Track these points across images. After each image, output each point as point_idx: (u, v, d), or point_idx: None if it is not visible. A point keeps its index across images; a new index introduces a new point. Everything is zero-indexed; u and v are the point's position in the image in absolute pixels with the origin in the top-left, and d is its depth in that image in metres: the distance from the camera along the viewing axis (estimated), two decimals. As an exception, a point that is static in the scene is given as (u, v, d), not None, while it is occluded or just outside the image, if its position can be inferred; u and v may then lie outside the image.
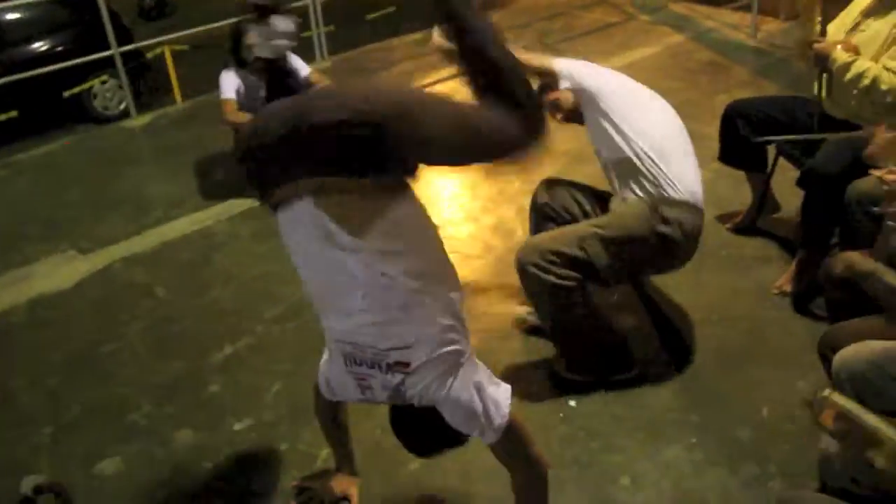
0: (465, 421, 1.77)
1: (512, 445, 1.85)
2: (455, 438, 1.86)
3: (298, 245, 1.66)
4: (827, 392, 1.57)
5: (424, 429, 1.87)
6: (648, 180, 2.51)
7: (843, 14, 3.08)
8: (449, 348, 1.69)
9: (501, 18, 6.20)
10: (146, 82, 6.35)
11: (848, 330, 2.05)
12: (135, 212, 4.23)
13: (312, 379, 2.83)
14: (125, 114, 5.81)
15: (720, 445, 2.43)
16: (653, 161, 2.50)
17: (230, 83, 4.18)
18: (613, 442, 2.48)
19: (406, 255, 1.61)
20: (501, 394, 1.80)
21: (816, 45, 2.92)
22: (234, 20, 5.33)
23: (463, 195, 4.10)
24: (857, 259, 2.18)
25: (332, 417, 2.24)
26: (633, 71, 5.54)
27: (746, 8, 6.33)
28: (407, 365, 1.67)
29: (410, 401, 1.75)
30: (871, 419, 1.40)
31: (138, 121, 5.55)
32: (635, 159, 2.52)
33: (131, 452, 2.61)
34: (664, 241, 2.49)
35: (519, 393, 2.58)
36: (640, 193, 2.54)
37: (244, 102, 4.22)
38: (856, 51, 2.85)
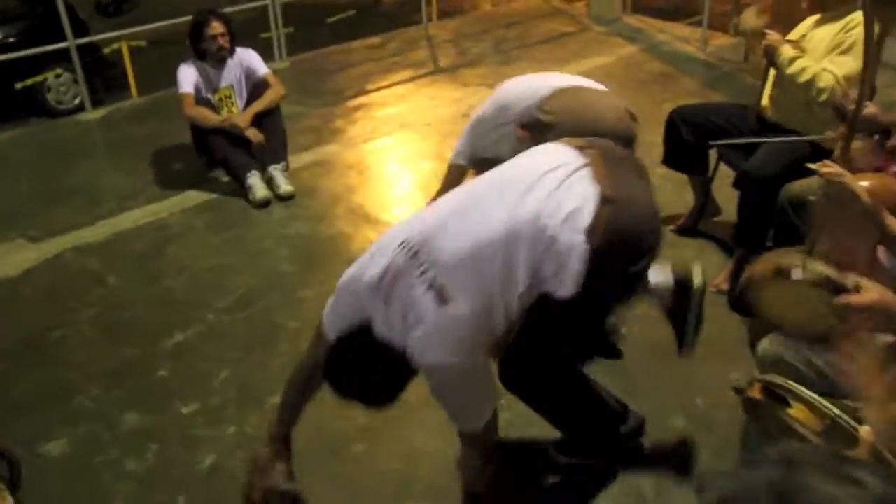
0: None
1: None
2: None
3: None
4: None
5: None
6: None
7: (793, 31, 3.25)
8: None
9: (461, 25, 6.37)
10: (102, 77, 6.30)
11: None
12: (87, 203, 4.21)
13: (261, 367, 2.90)
14: (80, 108, 5.76)
15: (657, 432, 2.54)
16: None
17: (188, 77, 4.21)
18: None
19: None
20: None
21: (768, 38, 3.07)
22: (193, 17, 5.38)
23: (418, 196, 4.16)
24: (783, 256, 2.29)
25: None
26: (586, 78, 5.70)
27: (698, 23, 6.53)
28: None
29: None
30: (797, 388, 1.50)
31: (93, 115, 5.51)
32: None
33: (77, 434, 2.62)
34: None
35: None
36: None
37: (202, 96, 4.24)
38: (802, 50, 3.02)
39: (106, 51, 6.25)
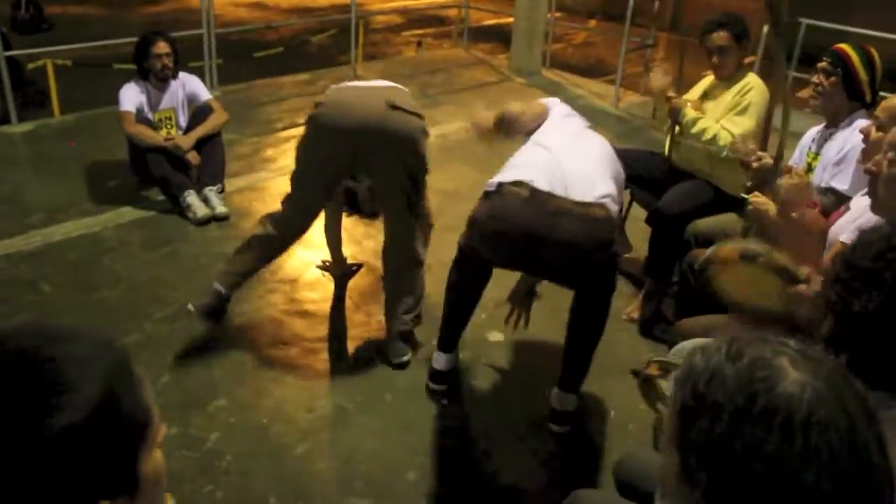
0: None
1: None
2: None
3: None
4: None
5: None
6: None
7: (692, 90, 3.63)
8: None
9: (387, 67, 6.64)
10: (23, 94, 6.24)
11: (695, 325, 2.44)
12: (15, 212, 4.19)
13: (202, 372, 3.00)
14: (2, 121, 5.69)
15: (578, 440, 2.79)
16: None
17: (130, 96, 4.28)
18: (485, 439, 2.78)
19: None
20: None
21: (672, 102, 3.44)
22: (118, 41, 5.45)
23: (347, 222, 4.33)
24: (748, 244, 2.53)
25: None
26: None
27: (611, 81, 7.03)
28: None
29: None
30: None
31: (18, 128, 5.46)
32: None
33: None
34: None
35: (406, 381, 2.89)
36: None
37: (143, 115, 4.33)
38: (702, 111, 3.39)
39: (30, 66, 6.22)
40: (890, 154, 1.88)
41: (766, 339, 0.86)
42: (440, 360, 2.95)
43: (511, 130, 2.96)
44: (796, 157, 3.15)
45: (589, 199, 2.51)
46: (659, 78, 3.55)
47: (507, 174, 2.61)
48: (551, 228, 2.46)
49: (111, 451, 0.76)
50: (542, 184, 2.51)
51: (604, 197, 2.52)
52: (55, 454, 0.70)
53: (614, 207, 2.57)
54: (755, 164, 2.93)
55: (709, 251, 2.15)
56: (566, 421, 2.81)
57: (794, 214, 2.31)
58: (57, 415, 0.71)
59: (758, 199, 2.59)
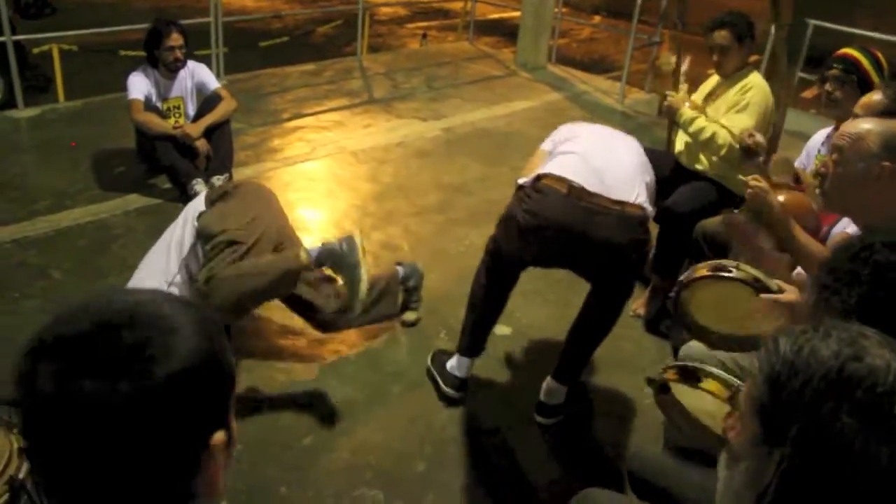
0: None
1: None
2: None
3: None
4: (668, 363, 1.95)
5: None
6: None
7: (698, 90, 3.65)
8: None
9: (393, 60, 6.68)
10: (27, 78, 6.23)
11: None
12: (22, 198, 4.20)
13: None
14: (1, 106, 5.68)
15: (584, 434, 2.81)
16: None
17: (139, 84, 4.28)
18: (492, 432, 2.81)
19: None
20: None
21: (669, 99, 3.45)
22: (127, 27, 5.45)
23: (354, 213, 4.37)
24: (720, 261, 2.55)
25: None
26: (511, 120, 6.11)
27: (617, 78, 7.05)
28: None
29: None
30: (705, 366, 1.76)
31: (24, 113, 5.45)
32: None
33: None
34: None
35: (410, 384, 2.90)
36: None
37: (151, 103, 4.33)
38: (701, 110, 3.41)
39: (35, 51, 6.20)
40: (835, 156, 1.94)
41: (849, 325, 0.96)
42: (462, 366, 2.89)
43: None
44: (803, 159, 3.18)
45: (627, 198, 2.54)
46: (667, 56, 3.57)
47: (542, 170, 2.61)
48: (591, 226, 2.48)
49: (216, 395, 0.84)
50: (580, 181, 2.53)
51: (640, 196, 2.56)
52: (174, 395, 0.79)
53: (650, 208, 2.61)
54: (749, 141, 2.97)
55: (685, 274, 2.17)
56: (553, 413, 2.83)
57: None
58: (170, 361, 0.78)
59: (758, 182, 2.60)
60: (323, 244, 2.76)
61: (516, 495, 2.55)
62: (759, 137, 3.10)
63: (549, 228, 2.52)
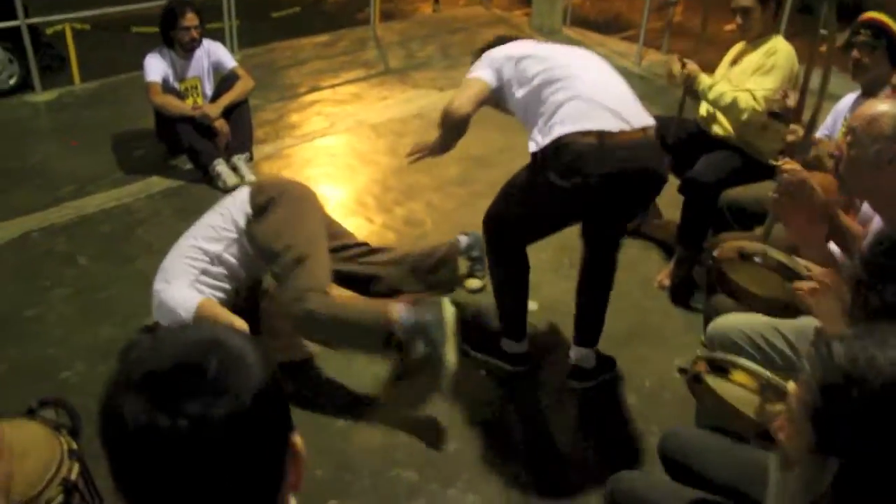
0: None
1: None
2: None
3: None
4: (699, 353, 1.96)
5: None
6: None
7: (723, 61, 3.60)
8: None
9: (407, 28, 6.59)
10: (41, 58, 6.22)
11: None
12: (47, 185, 4.23)
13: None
14: (16, 89, 5.70)
15: (610, 410, 2.83)
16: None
17: (156, 66, 4.27)
18: (522, 409, 2.84)
19: None
20: None
21: (687, 68, 3.41)
22: (139, 5, 5.43)
23: (376, 188, 4.37)
24: (746, 243, 2.55)
25: None
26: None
27: (633, 38, 6.94)
28: None
29: None
30: (734, 358, 1.77)
31: (42, 97, 5.47)
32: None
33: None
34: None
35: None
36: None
37: (169, 85, 4.33)
38: (729, 78, 3.36)
39: (49, 32, 6.19)
40: (849, 138, 1.94)
41: None
42: (523, 346, 2.96)
43: (461, 127, 2.78)
44: (829, 124, 3.13)
45: (644, 122, 2.57)
46: (676, 64, 3.53)
47: (557, 131, 2.51)
48: (638, 162, 2.52)
49: (286, 404, 0.89)
50: (601, 126, 2.48)
51: (646, 113, 2.61)
52: (261, 411, 0.84)
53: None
54: (790, 138, 2.93)
55: (713, 253, 2.17)
56: (586, 376, 2.88)
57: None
58: (251, 382, 0.83)
59: (791, 165, 2.57)
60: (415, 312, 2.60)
61: (549, 472, 2.58)
62: (792, 99, 3.06)
63: (595, 180, 2.46)
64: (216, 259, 2.78)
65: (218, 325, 0.95)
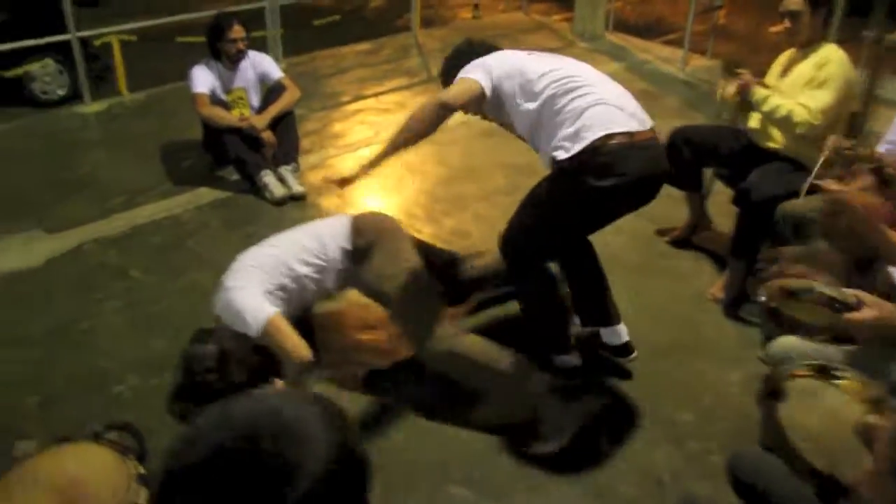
0: None
1: None
2: None
3: None
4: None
5: None
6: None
7: (771, 69, 3.52)
8: None
9: (448, 35, 6.57)
10: (90, 69, 6.32)
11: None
12: (98, 196, 4.29)
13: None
14: (66, 99, 5.80)
15: (667, 427, 2.77)
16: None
17: (203, 77, 4.31)
18: (583, 428, 2.78)
19: None
20: None
21: (742, 77, 3.34)
22: (185, 16, 5.48)
23: (423, 199, 4.35)
24: (792, 280, 2.49)
25: None
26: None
27: (676, 43, 6.85)
28: None
29: None
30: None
31: (92, 108, 5.56)
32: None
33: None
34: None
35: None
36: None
37: (216, 96, 4.36)
38: (780, 89, 3.29)
39: (97, 43, 6.28)
40: None
41: None
42: (575, 358, 2.99)
43: (444, 120, 2.77)
44: (891, 137, 3.02)
45: (651, 122, 2.67)
46: (727, 86, 3.47)
47: (599, 130, 2.52)
48: (658, 161, 2.66)
49: (356, 488, 0.89)
50: (622, 128, 2.55)
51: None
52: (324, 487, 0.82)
53: None
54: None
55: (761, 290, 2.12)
56: (628, 351, 2.95)
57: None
58: (304, 475, 0.80)
59: (836, 187, 2.49)
60: None
61: (604, 490, 2.54)
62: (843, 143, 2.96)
63: (631, 179, 2.55)
64: (298, 279, 2.80)
65: (284, 395, 0.92)
